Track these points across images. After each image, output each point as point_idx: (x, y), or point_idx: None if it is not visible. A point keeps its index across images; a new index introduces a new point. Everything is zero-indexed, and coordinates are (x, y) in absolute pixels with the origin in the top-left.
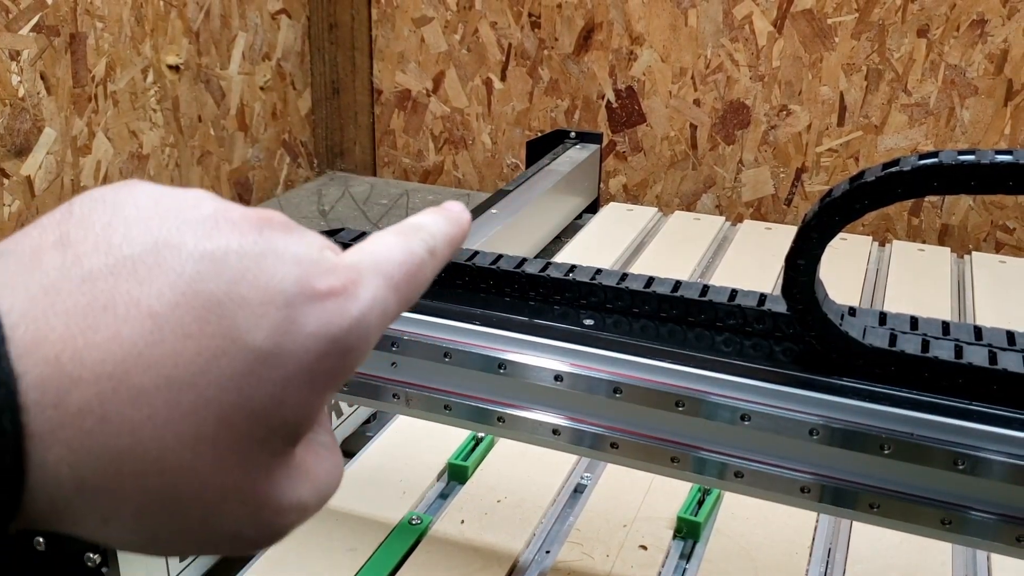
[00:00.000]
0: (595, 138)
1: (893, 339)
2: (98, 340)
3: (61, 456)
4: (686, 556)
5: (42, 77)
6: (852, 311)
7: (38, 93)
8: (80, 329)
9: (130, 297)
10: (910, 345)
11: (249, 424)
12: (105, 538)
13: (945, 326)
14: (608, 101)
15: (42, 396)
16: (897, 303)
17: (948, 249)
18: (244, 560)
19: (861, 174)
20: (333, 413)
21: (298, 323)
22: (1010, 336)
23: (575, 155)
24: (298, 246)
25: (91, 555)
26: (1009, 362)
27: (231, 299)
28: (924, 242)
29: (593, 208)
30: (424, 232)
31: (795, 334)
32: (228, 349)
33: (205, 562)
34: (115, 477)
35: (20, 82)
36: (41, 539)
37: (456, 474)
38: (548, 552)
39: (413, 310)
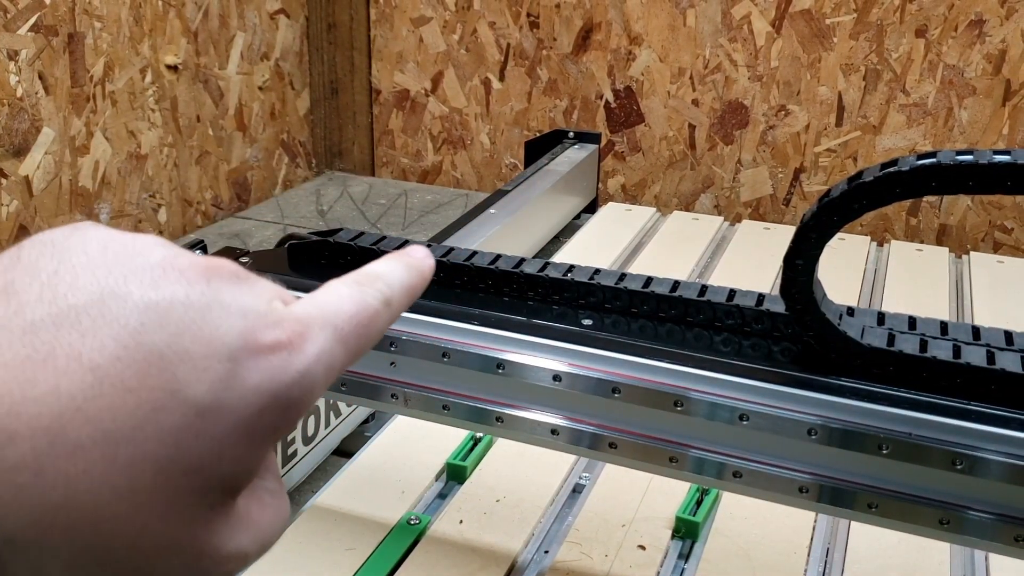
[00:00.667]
0: (593, 138)
1: (891, 339)
2: (36, 394)
3: None
4: (684, 556)
5: (40, 77)
6: (850, 311)
7: (36, 93)
8: (18, 382)
9: (71, 349)
10: (908, 345)
11: (187, 478)
12: None
13: (943, 326)
14: (606, 101)
15: None
16: (895, 303)
17: (946, 249)
18: None
19: (859, 174)
20: (331, 412)
21: (240, 377)
22: (1008, 336)
23: (573, 155)
24: (246, 297)
25: None
26: (1007, 362)
27: (174, 352)
28: (922, 242)
29: (591, 208)
30: (381, 282)
31: (793, 334)
32: (167, 403)
33: None
34: (47, 531)
35: (18, 82)
36: None
37: (455, 474)
38: (547, 552)
39: (412, 310)
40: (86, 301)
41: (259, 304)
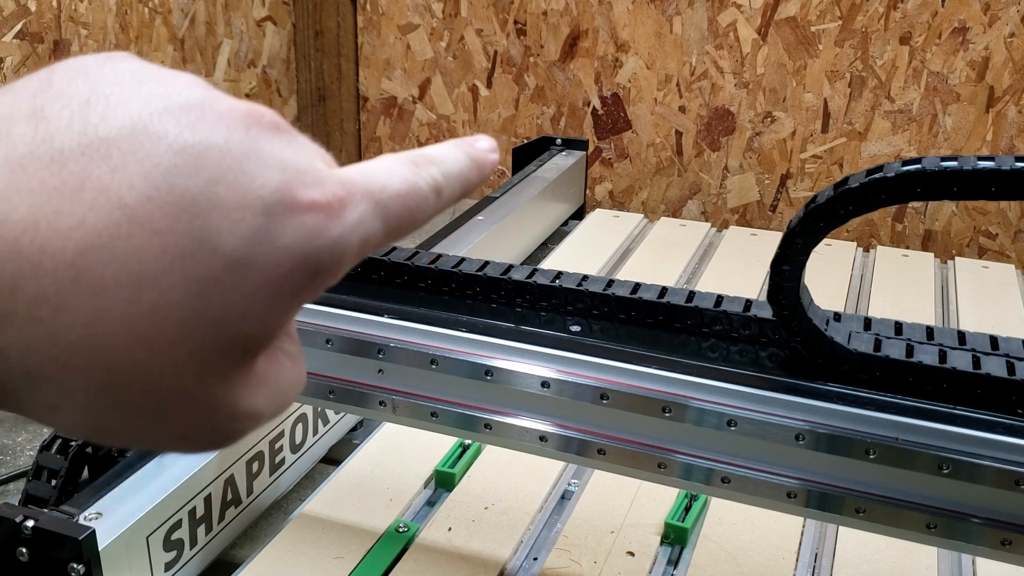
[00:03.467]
0: (581, 145)
1: (878, 344)
2: (61, 227)
3: (11, 342)
4: (673, 562)
5: None
6: (837, 316)
7: None
8: (44, 213)
9: (101, 184)
10: (895, 350)
11: (209, 332)
12: (52, 424)
13: (929, 331)
14: (594, 108)
15: None
16: (881, 308)
17: (931, 255)
18: (230, 568)
19: (845, 180)
20: (319, 420)
21: (273, 234)
22: (993, 341)
23: (561, 162)
24: (286, 151)
25: (75, 565)
26: (992, 366)
27: (207, 199)
28: (908, 248)
29: (579, 214)
30: (436, 168)
31: (781, 340)
32: (196, 252)
33: (191, 570)
34: (65, 369)
35: None
36: (24, 550)
37: (443, 481)
38: (535, 559)
39: (399, 317)
40: (118, 134)
41: (299, 160)
